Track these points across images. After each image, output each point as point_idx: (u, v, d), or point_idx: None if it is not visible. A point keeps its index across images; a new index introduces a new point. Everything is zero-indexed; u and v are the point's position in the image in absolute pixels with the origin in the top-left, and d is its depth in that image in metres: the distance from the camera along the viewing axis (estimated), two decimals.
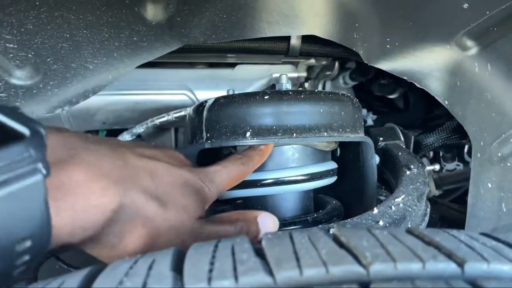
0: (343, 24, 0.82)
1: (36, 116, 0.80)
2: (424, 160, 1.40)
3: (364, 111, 1.49)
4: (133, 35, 0.80)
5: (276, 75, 1.21)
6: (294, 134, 0.74)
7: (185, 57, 1.12)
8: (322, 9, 0.81)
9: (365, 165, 0.88)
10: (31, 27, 0.72)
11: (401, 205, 0.75)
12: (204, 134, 0.79)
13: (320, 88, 1.62)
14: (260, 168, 0.79)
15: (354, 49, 0.86)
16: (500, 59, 0.87)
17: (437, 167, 1.02)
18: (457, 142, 1.19)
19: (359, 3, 0.79)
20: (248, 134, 0.75)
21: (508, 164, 0.97)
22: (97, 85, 0.82)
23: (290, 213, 0.86)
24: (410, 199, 0.77)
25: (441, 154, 1.37)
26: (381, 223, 0.69)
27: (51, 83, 0.80)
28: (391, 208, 0.74)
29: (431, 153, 1.40)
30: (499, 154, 0.95)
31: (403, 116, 1.48)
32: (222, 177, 0.63)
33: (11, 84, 0.77)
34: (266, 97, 0.75)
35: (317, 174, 0.83)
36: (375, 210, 0.73)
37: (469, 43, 0.87)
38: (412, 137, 1.05)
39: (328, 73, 1.47)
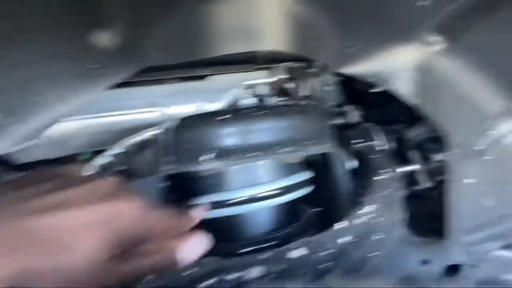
0: (299, 35, 0.80)
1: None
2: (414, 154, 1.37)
3: (349, 107, 1.46)
4: (85, 64, 0.79)
5: (249, 82, 1.19)
6: (249, 153, 0.73)
7: (154, 74, 1.10)
8: (276, 23, 0.78)
9: (336, 173, 0.86)
10: None
11: (364, 218, 0.73)
12: (164, 159, 0.79)
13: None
14: (225, 187, 0.78)
15: (314, 58, 0.84)
16: (468, 52, 0.84)
17: (416, 167, 1.00)
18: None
19: (312, 12, 0.77)
20: (202, 157, 0.74)
21: (486, 158, 0.94)
22: (55, 117, 0.81)
23: (262, 229, 0.85)
24: (377, 209, 0.75)
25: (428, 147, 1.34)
26: (339, 241, 0.68)
27: (10, 119, 0.79)
28: (353, 222, 0.72)
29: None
30: (476, 148, 0.93)
31: (386, 110, 1.45)
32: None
33: None
34: (218, 117, 0.74)
35: (287, 188, 0.82)
36: (336, 226, 0.71)
37: (435, 39, 0.84)
38: (392, 136, 1.03)
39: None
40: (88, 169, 0.92)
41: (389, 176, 0.86)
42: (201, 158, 0.73)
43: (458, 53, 0.84)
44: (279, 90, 1.40)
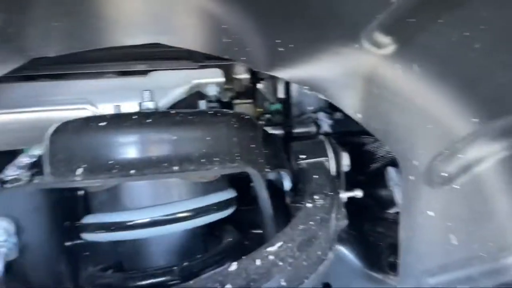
0: (213, 32, 0.65)
1: None
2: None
3: (321, 114, 1.30)
4: None
5: (197, 81, 1.05)
6: (132, 170, 0.59)
7: (89, 67, 0.98)
8: (187, 16, 0.64)
9: (258, 196, 0.71)
10: None
11: (270, 257, 0.58)
12: (44, 168, 0.66)
13: (280, 89, 1.44)
14: (123, 206, 0.65)
15: (237, 59, 0.70)
16: (427, 56, 0.67)
17: (359, 193, 0.83)
18: None
19: (227, 5, 0.62)
20: (78, 171, 0.60)
21: (456, 186, 0.77)
22: None
23: (167, 258, 0.71)
24: (289, 247, 0.60)
25: None
26: (228, 286, 0.53)
27: None
28: (254, 262, 0.58)
29: None
30: (443, 174, 0.76)
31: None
32: None
33: None
34: (101, 123, 0.61)
35: (199, 210, 0.68)
36: (233, 266, 0.57)
37: (383, 39, 0.67)
38: (344, 153, 0.87)
39: None
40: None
41: (320, 205, 0.70)
42: (77, 172, 0.60)
43: (415, 57, 0.68)
44: (244, 92, 1.26)
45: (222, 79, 1.06)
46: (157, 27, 0.63)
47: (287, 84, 1.39)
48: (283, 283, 0.57)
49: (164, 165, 0.60)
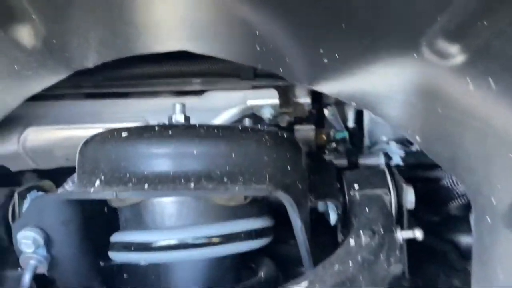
0: (246, 39, 0.60)
1: None
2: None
3: (392, 144, 1.16)
4: (13, 64, 0.70)
5: (251, 102, 1.00)
6: (146, 185, 0.54)
7: (146, 84, 0.99)
8: (220, 25, 0.59)
9: (295, 226, 0.62)
10: None
11: None
12: (76, 179, 0.65)
13: (350, 116, 1.33)
14: (148, 225, 0.60)
15: (276, 71, 0.63)
16: (506, 68, 0.55)
17: (419, 235, 0.68)
18: None
19: (263, 13, 0.56)
20: (97, 182, 0.57)
21: None
22: None
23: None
24: None
25: None
26: None
27: None
28: None
29: None
30: None
31: None
32: None
33: None
34: (123, 135, 0.57)
35: (233, 236, 0.61)
36: None
37: (449, 47, 0.56)
38: (407, 187, 0.74)
39: None
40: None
41: (364, 243, 0.59)
42: (96, 184, 0.57)
43: (489, 70, 0.55)
44: (305, 117, 1.17)
45: (275, 101, 1.00)
46: (185, 33, 0.59)
47: (358, 112, 1.29)
48: None
49: (180, 181, 0.54)
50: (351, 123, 1.32)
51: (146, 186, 0.54)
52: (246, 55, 0.61)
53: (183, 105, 0.65)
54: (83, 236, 0.73)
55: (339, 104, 1.28)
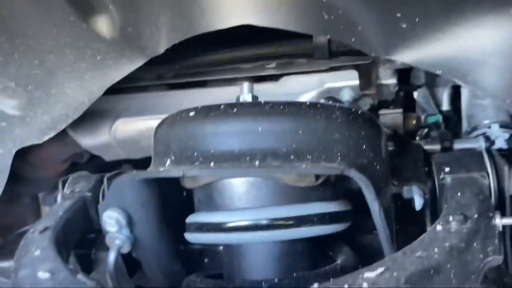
0: (312, 7, 0.56)
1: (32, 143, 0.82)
2: None
3: (495, 126, 1.03)
4: (95, 55, 0.75)
5: (329, 85, 0.95)
6: (212, 163, 0.54)
7: (222, 72, 0.99)
8: None
9: (373, 210, 0.57)
10: (0, 57, 0.74)
11: (364, 284, 0.45)
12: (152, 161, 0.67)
13: (445, 98, 1.21)
14: (221, 206, 0.61)
15: (348, 41, 0.58)
16: None
17: None
18: None
19: None
20: (167, 162, 0.58)
21: None
22: (76, 109, 0.79)
23: (266, 271, 0.63)
24: (394, 277, 0.45)
25: None
26: None
27: (38, 110, 0.81)
28: (342, 286, 0.45)
29: None
30: None
31: None
32: None
33: (8, 114, 0.81)
34: (191, 114, 0.58)
35: (309, 218, 0.59)
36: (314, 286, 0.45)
37: None
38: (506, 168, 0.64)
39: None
40: None
41: (454, 230, 0.52)
42: (166, 163, 0.58)
43: None
44: (391, 100, 1.09)
45: (357, 83, 0.93)
46: (248, 6, 0.57)
47: (454, 93, 1.17)
48: None
49: (245, 159, 0.52)
50: (445, 106, 1.20)
51: (212, 164, 0.53)
52: (313, 25, 0.57)
53: (251, 85, 0.63)
54: (162, 218, 0.75)
55: (432, 85, 1.18)
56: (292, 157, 0.53)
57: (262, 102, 0.57)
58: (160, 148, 0.62)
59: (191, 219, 0.66)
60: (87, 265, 0.93)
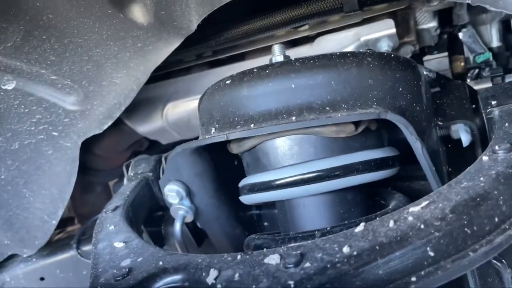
0: None
1: (93, 133, 0.90)
2: None
3: None
4: (136, 42, 0.80)
5: (365, 38, 0.94)
6: (252, 124, 0.57)
7: (257, 42, 1.01)
8: None
9: (414, 152, 0.58)
10: (54, 58, 0.82)
11: (409, 218, 0.46)
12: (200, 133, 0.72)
13: (494, 34, 1.15)
14: (267, 166, 0.64)
15: None
16: None
17: None
18: None
19: None
20: (212, 130, 0.63)
21: None
22: (127, 96, 0.86)
23: (316, 223, 0.66)
24: (439, 208, 0.46)
25: None
26: (346, 249, 0.45)
27: (94, 103, 0.88)
28: (387, 223, 0.47)
29: None
30: None
31: None
32: None
33: (68, 110, 0.90)
34: (227, 81, 0.61)
35: (351, 167, 0.62)
36: (360, 227, 0.48)
37: None
38: None
39: (492, 11, 1.05)
40: None
41: (501, 158, 0.51)
42: (212, 131, 0.62)
43: None
44: (436, 44, 1.05)
45: (392, 31, 0.91)
46: None
47: (505, 28, 1.11)
48: (431, 253, 0.44)
49: (282, 116, 0.55)
50: (495, 43, 1.14)
51: (252, 125, 0.56)
52: None
53: (282, 46, 0.65)
54: (219, 186, 0.80)
55: (478, 23, 1.12)
56: (327, 108, 0.54)
57: (292, 59, 0.58)
58: (205, 118, 0.66)
59: (243, 182, 0.70)
60: (159, 241, 1.02)
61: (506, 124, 0.59)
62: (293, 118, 0.54)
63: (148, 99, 1.13)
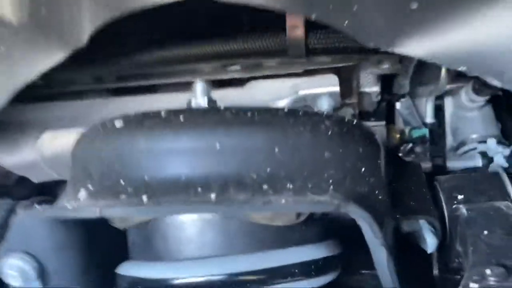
0: None
1: None
2: None
3: (492, 142, 0.90)
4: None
5: (305, 92, 0.79)
6: (144, 196, 0.36)
7: (176, 74, 0.81)
8: None
9: (372, 255, 0.41)
10: None
11: None
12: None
13: (429, 109, 1.08)
14: (162, 255, 0.43)
15: (337, 26, 0.42)
16: None
17: None
18: None
19: None
20: (82, 194, 0.40)
21: None
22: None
23: None
24: None
25: None
26: None
27: None
28: None
29: None
30: None
31: None
32: None
33: None
34: (118, 125, 0.39)
35: (279, 271, 0.42)
36: None
37: None
38: None
39: (431, 86, 0.98)
40: None
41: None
42: (79, 195, 0.39)
43: None
44: (374, 111, 0.95)
45: (336, 89, 0.78)
46: None
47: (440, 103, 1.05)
48: None
49: (195, 191, 0.35)
50: (429, 118, 1.07)
51: (144, 198, 0.35)
52: (293, 1, 0.41)
53: (206, 85, 0.46)
54: (87, 265, 0.56)
55: (414, 95, 1.05)
56: (265, 187, 0.36)
57: (222, 108, 0.39)
58: (75, 172, 0.43)
59: (123, 269, 0.48)
60: None
61: (484, 231, 0.45)
62: (212, 196, 0.34)
63: (20, 123, 0.85)
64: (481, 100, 0.95)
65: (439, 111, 1.10)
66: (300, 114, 0.39)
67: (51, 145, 0.87)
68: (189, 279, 0.41)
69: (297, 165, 0.37)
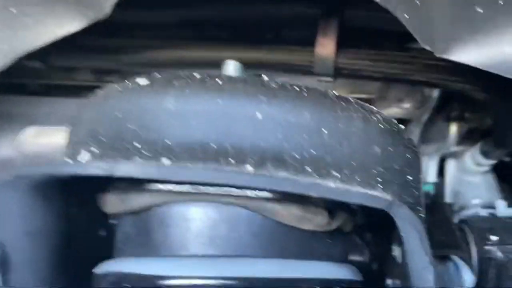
0: None
1: None
2: None
3: (502, 205, 0.86)
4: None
5: None
6: (165, 158, 0.30)
7: None
8: None
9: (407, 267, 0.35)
10: None
11: None
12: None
13: (432, 168, 1.05)
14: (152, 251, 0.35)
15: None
16: None
17: None
18: None
19: None
20: (85, 153, 0.33)
21: None
22: None
23: None
24: None
25: None
26: None
27: None
28: None
29: None
30: None
31: None
32: None
33: None
34: (144, 81, 0.34)
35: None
36: None
37: None
38: None
39: (436, 144, 0.97)
40: None
41: None
42: (80, 156, 0.33)
43: None
44: None
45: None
46: None
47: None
48: None
49: (226, 161, 0.29)
50: (431, 178, 1.04)
51: (165, 161, 0.29)
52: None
53: (241, 66, 0.41)
54: (64, 260, 0.47)
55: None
56: (307, 168, 0.30)
57: (266, 78, 0.35)
58: (77, 133, 0.37)
59: (106, 268, 0.40)
60: None
61: None
62: (248, 166, 0.28)
63: (0, 114, 0.78)
64: (488, 163, 0.93)
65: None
66: (352, 101, 0.34)
67: (34, 142, 0.79)
68: (189, 279, 0.34)
69: (346, 153, 0.32)
